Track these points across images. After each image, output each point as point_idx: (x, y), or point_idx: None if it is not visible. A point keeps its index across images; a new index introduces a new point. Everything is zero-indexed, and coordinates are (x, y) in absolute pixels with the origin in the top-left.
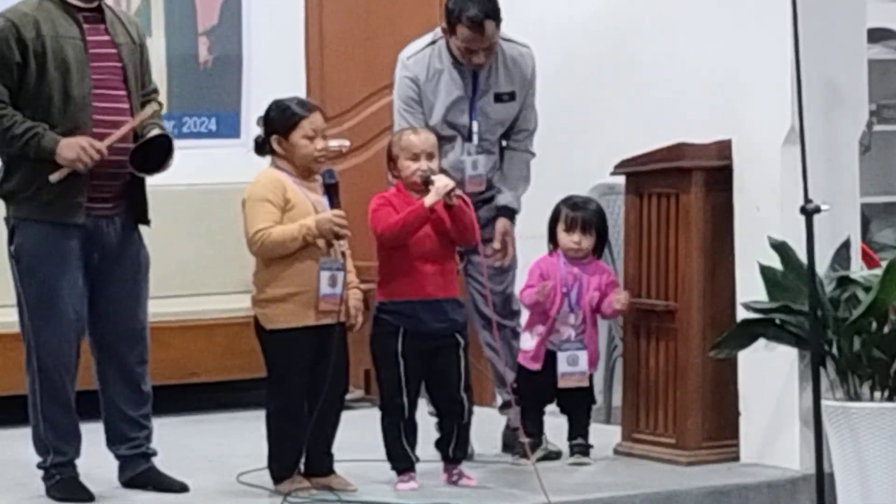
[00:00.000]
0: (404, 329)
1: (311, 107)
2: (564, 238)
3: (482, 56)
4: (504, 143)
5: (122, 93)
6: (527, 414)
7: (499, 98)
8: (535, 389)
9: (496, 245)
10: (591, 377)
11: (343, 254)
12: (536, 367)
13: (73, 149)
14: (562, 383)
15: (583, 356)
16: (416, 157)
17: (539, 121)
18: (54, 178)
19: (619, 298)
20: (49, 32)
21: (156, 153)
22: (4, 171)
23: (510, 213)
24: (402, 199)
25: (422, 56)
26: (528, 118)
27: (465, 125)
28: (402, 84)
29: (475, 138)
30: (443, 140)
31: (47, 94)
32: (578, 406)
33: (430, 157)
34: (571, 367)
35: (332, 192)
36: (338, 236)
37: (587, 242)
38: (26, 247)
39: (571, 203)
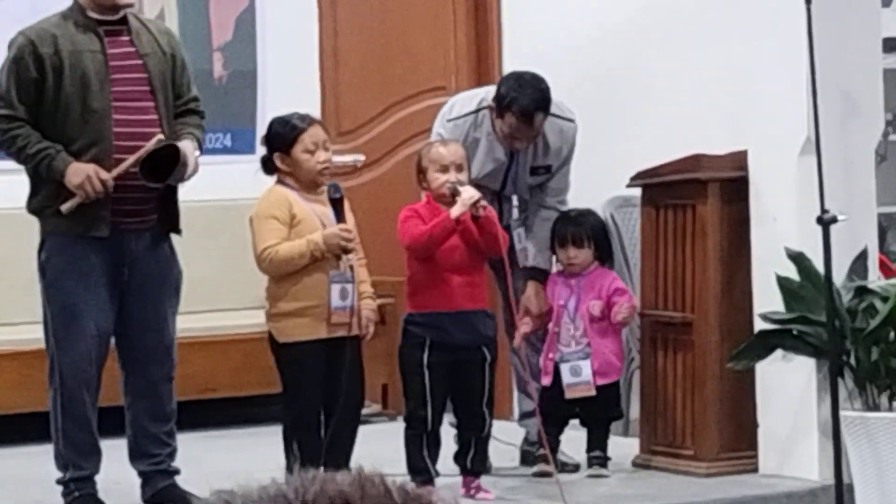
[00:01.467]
0: (431, 341)
1: (311, 120)
2: (561, 254)
3: (524, 143)
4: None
5: (149, 104)
6: (545, 429)
7: (534, 171)
8: (548, 405)
9: (533, 311)
10: (615, 387)
11: (351, 267)
12: (546, 382)
13: (79, 175)
14: (568, 394)
15: (586, 366)
16: (445, 169)
17: None
18: (65, 208)
19: (618, 310)
20: (67, 47)
21: (166, 162)
22: (31, 187)
23: (544, 275)
24: (430, 211)
25: (463, 122)
26: (562, 182)
27: (496, 190)
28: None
29: (515, 212)
30: None
31: (65, 108)
32: (597, 418)
33: (459, 168)
34: (575, 377)
35: (337, 206)
36: (345, 250)
37: (583, 256)
38: (51, 260)
39: (565, 217)
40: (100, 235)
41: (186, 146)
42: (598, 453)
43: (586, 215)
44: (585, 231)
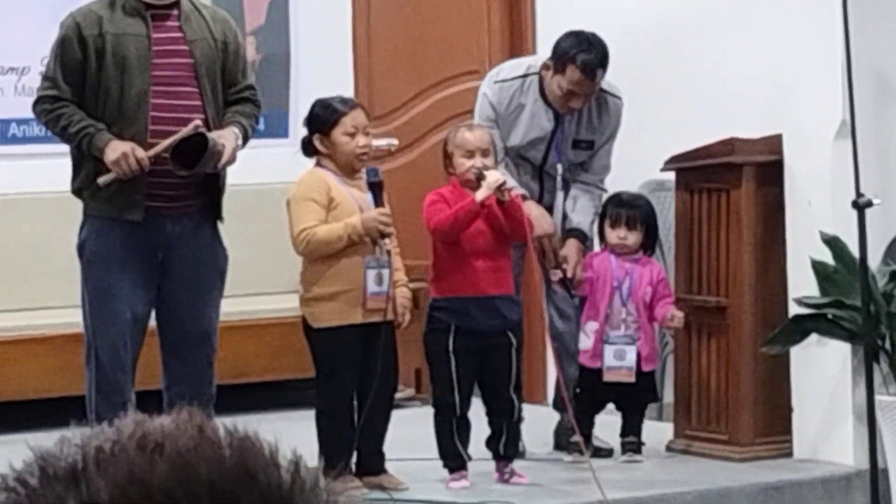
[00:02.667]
0: (456, 326)
1: (353, 104)
2: (610, 234)
3: (580, 102)
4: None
5: (192, 90)
6: (582, 413)
7: (576, 144)
8: (596, 388)
9: (570, 271)
10: (652, 374)
11: (388, 252)
12: (597, 364)
13: (115, 152)
14: (607, 377)
15: (630, 351)
16: (470, 154)
17: None
18: (101, 181)
19: (671, 317)
20: (111, 30)
21: (198, 150)
22: (73, 168)
23: (583, 237)
24: (456, 196)
25: (509, 86)
26: (605, 160)
27: (536, 160)
28: (483, 102)
29: (559, 181)
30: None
31: (105, 90)
32: (632, 403)
33: (484, 153)
34: (618, 361)
35: (376, 190)
36: (383, 235)
37: (633, 238)
38: (88, 242)
39: (618, 200)
40: (133, 219)
41: (226, 134)
42: (632, 438)
43: (640, 200)
44: (640, 214)
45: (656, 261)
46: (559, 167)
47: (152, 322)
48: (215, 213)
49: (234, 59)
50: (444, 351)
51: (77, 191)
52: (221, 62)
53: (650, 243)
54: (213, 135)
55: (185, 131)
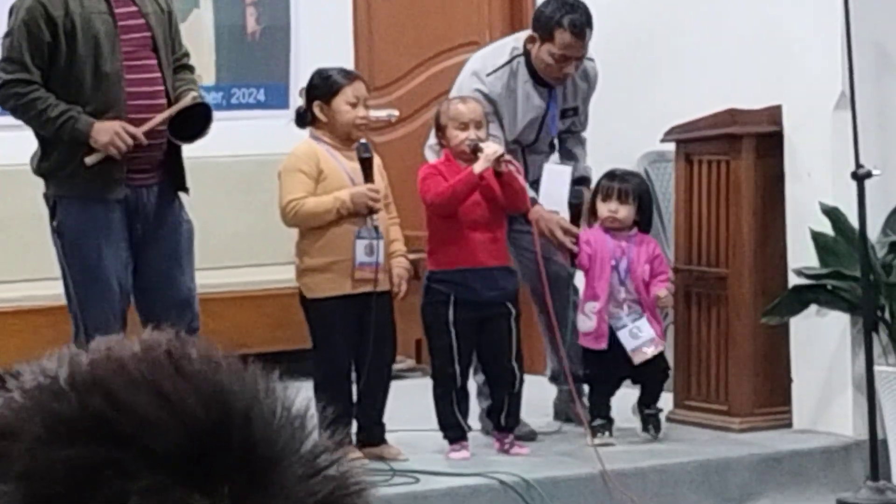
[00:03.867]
0: (455, 297)
1: (354, 75)
2: (601, 207)
3: (573, 67)
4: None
5: (153, 62)
6: (596, 394)
7: (564, 114)
8: (605, 369)
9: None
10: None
11: (376, 228)
12: (602, 345)
13: (107, 133)
14: (637, 359)
15: (643, 325)
16: (464, 127)
17: None
18: (89, 160)
19: (660, 295)
20: (77, 9)
21: (194, 121)
22: (41, 151)
23: (588, 182)
24: (450, 168)
25: (502, 74)
26: (583, 118)
27: (529, 140)
28: (480, 100)
29: (556, 155)
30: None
31: (78, 72)
32: (651, 375)
33: (478, 125)
34: (636, 340)
35: (366, 166)
36: (372, 210)
37: (624, 212)
38: (68, 223)
39: (610, 174)
40: (117, 198)
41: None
42: (652, 410)
43: (633, 175)
44: (632, 189)
45: (652, 237)
46: (556, 142)
47: None
48: (179, 184)
49: (176, 28)
50: (443, 322)
51: (48, 172)
52: (169, 32)
53: (645, 221)
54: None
55: (184, 103)
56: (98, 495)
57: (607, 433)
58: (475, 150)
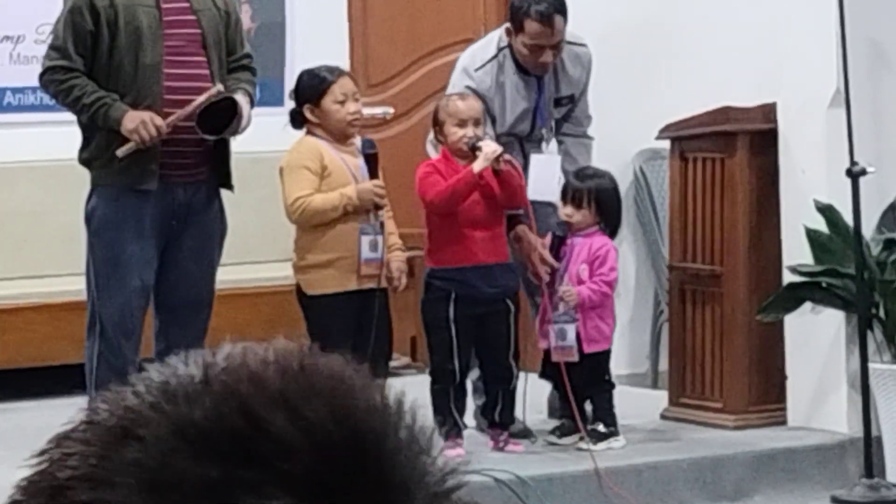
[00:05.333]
0: (455, 294)
1: (340, 72)
2: (560, 210)
3: (549, 55)
4: (561, 128)
5: (201, 59)
6: (559, 398)
7: (558, 102)
8: (547, 369)
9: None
10: (604, 356)
11: (381, 224)
12: (543, 344)
13: (134, 120)
14: (553, 357)
15: (571, 330)
16: (462, 124)
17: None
18: (120, 152)
19: (564, 294)
20: (122, 1)
21: (222, 115)
22: (83, 140)
23: None
24: (448, 166)
25: (490, 68)
26: (584, 107)
27: (525, 132)
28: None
29: (545, 146)
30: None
31: (118, 62)
32: (583, 386)
33: (476, 123)
34: (560, 341)
35: (371, 162)
36: (378, 207)
37: (579, 217)
38: (98, 211)
39: (575, 173)
40: (148, 188)
41: (241, 100)
42: (598, 427)
43: (595, 177)
44: (587, 192)
45: (605, 236)
46: (544, 132)
47: None
48: (222, 180)
49: (235, 29)
50: (443, 319)
51: (86, 160)
52: (224, 32)
53: (607, 221)
54: (236, 97)
55: (207, 96)
56: None
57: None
58: (474, 149)
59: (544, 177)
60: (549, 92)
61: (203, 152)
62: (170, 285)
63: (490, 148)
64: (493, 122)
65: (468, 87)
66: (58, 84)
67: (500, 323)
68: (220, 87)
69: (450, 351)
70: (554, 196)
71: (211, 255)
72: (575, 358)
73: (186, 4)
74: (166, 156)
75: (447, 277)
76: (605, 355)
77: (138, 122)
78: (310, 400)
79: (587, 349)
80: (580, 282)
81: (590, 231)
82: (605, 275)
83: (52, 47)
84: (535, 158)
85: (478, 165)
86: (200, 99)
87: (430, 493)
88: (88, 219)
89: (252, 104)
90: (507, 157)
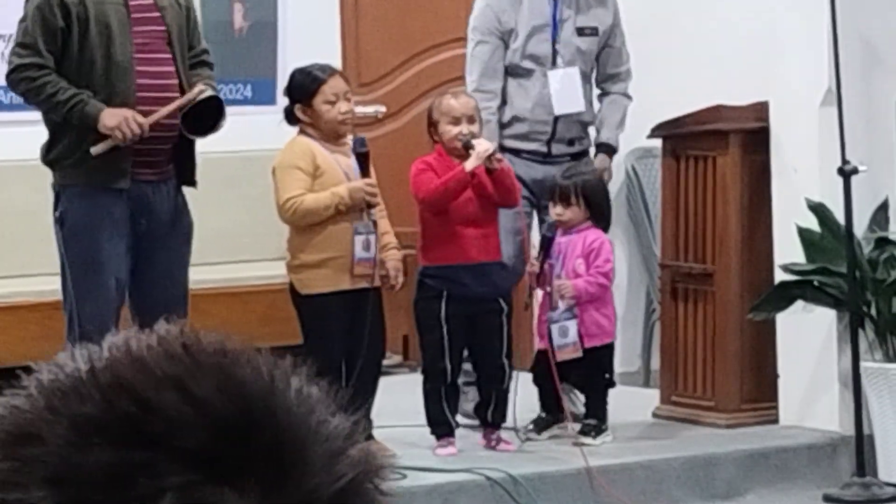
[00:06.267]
0: (448, 293)
1: (331, 71)
2: (551, 210)
3: None
4: (599, 90)
5: (167, 56)
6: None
7: (581, 32)
8: (544, 367)
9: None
10: (606, 350)
11: (374, 223)
12: (541, 345)
13: (115, 117)
14: (558, 356)
15: (572, 326)
16: (456, 121)
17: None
18: (95, 150)
19: (560, 287)
20: None
21: (208, 115)
22: (49, 139)
23: (610, 150)
24: (443, 164)
25: None
26: (617, 59)
27: (547, 55)
28: (485, 14)
29: (574, 69)
30: (520, 76)
31: (89, 59)
32: (585, 382)
33: (470, 120)
34: (562, 338)
35: (362, 160)
36: (370, 205)
37: (570, 214)
38: (70, 212)
39: (562, 173)
40: (121, 187)
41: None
42: (590, 421)
43: (580, 174)
44: (574, 188)
45: (600, 231)
46: (562, 54)
47: None
48: (188, 179)
49: (194, 24)
50: (435, 318)
51: (53, 161)
52: (186, 28)
53: (597, 216)
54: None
55: (189, 96)
56: (131, 497)
57: (594, 434)
58: (467, 147)
59: (566, 89)
60: (567, 14)
61: (166, 151)
62: (146, 285)
63: (482, 146)
64: (509, 37)
65: (488, 7)
66: (29, 82)
67: (492, 323)
68: (201, 86)
69: (441, 350)
70: (580, 106)
71: (183, 252)
72: (579, 354)
73: (151, 1)
74: (135, 154)
75: (439, 276)
76: (605, 350)
77: (120, 120)
78: (196, 377)
79: (587, 344)
80: (577, 276)
81: (582, 227)
82: (601, 266)
83: (20, 44)
84: (552, 74)
85: (470, 164)
86: (183, 100)
87: (325, 452)
88: (60, 221)
89: None
90: (498, 155)
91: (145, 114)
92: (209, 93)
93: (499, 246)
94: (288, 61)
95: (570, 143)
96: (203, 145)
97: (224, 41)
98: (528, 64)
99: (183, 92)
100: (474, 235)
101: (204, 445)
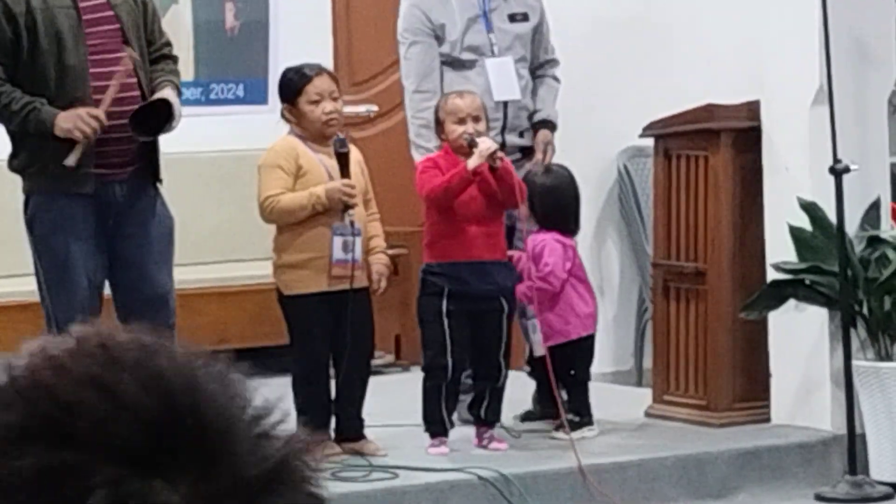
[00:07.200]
0: (450, 290)
1: (318, 70)
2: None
3: None
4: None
5: (124, 54)
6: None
7: (512, 18)
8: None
9: (538, 156)
10: (568, 349)
11: (352, 223)
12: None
13: (69, 119)
14: (535, 352)
15: (531, 326)
16: (462, 121)
17: (567, 84)
18: (70, 161)
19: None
20: (39, 5)
21: (156, 116)
22: (14, 146)
23: (551, 125)
24: (449, 161)
25: None
26: (547, 45)
27: (485, 44)
28: (412, 14)
29: (508, 57)
30: (463, 68)
31: (42, 66)
32: (559, 381)
33: (476, 119)
34: (534, 334)
35: (342, 160)
36: (347, 206)
37: (523, 216)
38: (37, 218)
39: (526, 176)
40: (85, 192)
41: (169, 95)
42: (569, 416)
43: (547, 175)
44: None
45: (538, 230)
46: (495, 43)
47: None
48: (154, 175)
49: (152, 18)
50: (437, 314)
51: (19, 168)
52: (143, 22)
53: (541, 219)
54: (164, 96)
55: (123, 68)
56: (61, 498)
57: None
58: (471, 145)
59: (502, 77)
60: (496, 2)
61: (132, 149)
62: (124, 287)
63: (485, 145)
64: (442, 32)
65: (413, 7)
66: None
67: (492, 322)
68: (129, 51)
69: (443, 346)
70: (517, 94)
71: (159, 248)
72: (543, 352)
73: (104, 1)
74: (98, 156)
75: (441, 273)
76: (566, 349)
77: (74, 120)
78: (116, 374)
79: (545, 343)
80: (528, 280)
81: (536, 230)
82: (539, 270)
83: None
84: (489, 62)
85: (472, 162)
86: (118, 73)
87: (251, 435)
88: (30, 225)
89: (179, 94)
90: (500, 154)
91: (107, 114)
92: (158, 95)
93: (503, 245)
94: (280, 61)
95: (521, 134)
96: (195, 145)
97: (216, 41)
98: (467, 55)
99: (142, 89)
100: (478, 233)
101: (130, 441)
